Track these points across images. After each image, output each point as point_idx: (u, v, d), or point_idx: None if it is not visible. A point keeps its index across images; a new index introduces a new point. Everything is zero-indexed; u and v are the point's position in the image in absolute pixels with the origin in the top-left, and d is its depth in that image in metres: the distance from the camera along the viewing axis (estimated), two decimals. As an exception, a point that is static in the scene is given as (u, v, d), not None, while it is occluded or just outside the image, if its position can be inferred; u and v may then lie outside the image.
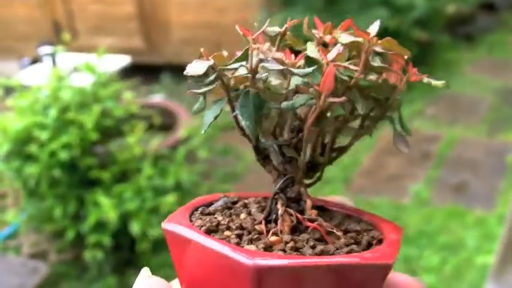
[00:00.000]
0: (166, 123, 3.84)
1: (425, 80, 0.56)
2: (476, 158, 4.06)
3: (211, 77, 0.52)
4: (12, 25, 6.40)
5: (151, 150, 3.36)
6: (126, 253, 3.28)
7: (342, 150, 0.62)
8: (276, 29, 0.57)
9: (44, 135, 3.06)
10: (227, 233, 0.52)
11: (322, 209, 0.60)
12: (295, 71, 0.52)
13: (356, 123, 0.60)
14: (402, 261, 3.14)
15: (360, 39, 0.54)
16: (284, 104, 0.53)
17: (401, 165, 4.04)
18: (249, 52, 0.52)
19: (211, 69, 0.52)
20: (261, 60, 0.52)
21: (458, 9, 6.27)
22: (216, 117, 0.54)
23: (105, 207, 2.99)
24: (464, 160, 4.04)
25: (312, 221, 0.52)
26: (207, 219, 0.54)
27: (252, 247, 0.49)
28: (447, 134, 4.40)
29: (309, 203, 0.55)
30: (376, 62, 0.54)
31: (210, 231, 0.52)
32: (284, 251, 0.49)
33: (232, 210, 0.57)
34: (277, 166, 0.58)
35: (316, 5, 4.90)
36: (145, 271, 0.52)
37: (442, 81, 0.55)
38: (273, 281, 0.44)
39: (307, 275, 0.45)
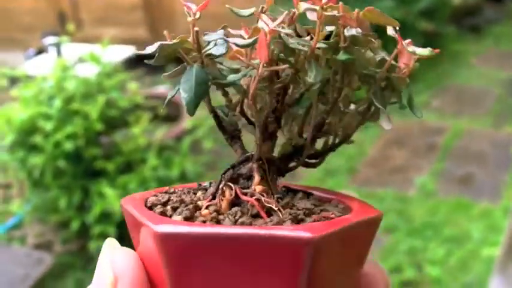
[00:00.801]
0: (171, 113, 3.83)
1: (410, 49, 0.53)
2: (482, 150, 4.04)
3: (160, 55, 0.52)
4: (17, 16, 6.40)
5: (156, 141, 3.36)
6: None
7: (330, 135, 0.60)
8: (251, 10, 0.55)
9: (48, 126, 3.05)
10: (167, 207, 0.51)
11: (294, 191, 0.58)
12: (236, 41, 0.51)
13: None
14: (407, 253, 3.14)
15: (316, 7, 0.51)
16: (227, 79, 0.52)
17: (406, 157, 4.03)
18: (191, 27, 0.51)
19: (162, 48, 0.51)
20: (204, 34, 0.52)
21: (464, 1, 6.25)
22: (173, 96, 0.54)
23: (110, 197, 2.99)
24: (470, 152, 4.03)
25: (251, 195, 0.50)
26: (161, 197, 0.53)
27: (177, 218, 0.48)
28: (453, 125, 4.39)
29: (256, 178, 0.52)
30: (353, 33, 0.52)
31: (153, 205, 0.52)
32: (204, 221, 0.48)
33: (192, 191, 0.56)
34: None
35: (322, -5, 4.89)
36: (110, 241, 0.50)
37: (428, 49, 0.53)
38: (174, 247, 0.44)
39: (204, 243, 0.44)
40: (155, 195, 0.54)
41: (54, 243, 3.39)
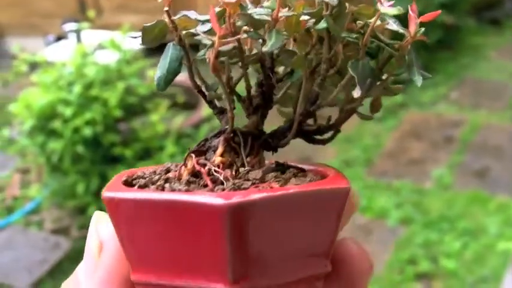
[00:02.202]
0: (189, 101, 3.84)
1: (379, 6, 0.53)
2: (500, 144, 4.02)
3: (144, 37, 0.54)
4: (37, 2, 6.42)
5: (174, 128, 3.37)
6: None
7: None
8: None
9: (68, 112, 3.07)
10: (143, 179, 0.53)
11: (283, 166, 0.58)
12: (202, 17, 0.53)
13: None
14: (423, 246, 3.14)
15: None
16: (198, 55, 0.54)
17: (424, 149, 4.02)
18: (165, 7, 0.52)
19: (145, 30, 0.54)
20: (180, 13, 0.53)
21: (485, -7, 6.21)
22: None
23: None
24: (487, 145, 4.01)
25: (203, 165, 0.52)
26: (147, 170, 0.55)
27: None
28: (471, 118, 4.37)
29: (219, 150, 0.53)
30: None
31: (135, 179, 0.54)
32: (157, 188, 0.51)
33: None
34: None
35: (342, -14, 4.87)
36: (97, 213, 0.55)
37: (398, 7, 0.53)
38: (113, 209, 0.49)
39: (134, 206, 0.48)
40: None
41: (71, 228, 3.42)
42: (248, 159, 0.55)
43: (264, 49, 0.50)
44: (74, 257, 3.15)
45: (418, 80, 0.53)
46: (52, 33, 5.74)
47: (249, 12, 0.51)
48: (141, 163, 3.13)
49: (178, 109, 3.67)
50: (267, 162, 0.58)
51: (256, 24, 0.52)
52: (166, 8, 0.52)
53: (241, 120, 0.57)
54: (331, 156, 3.94)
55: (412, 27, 0.53)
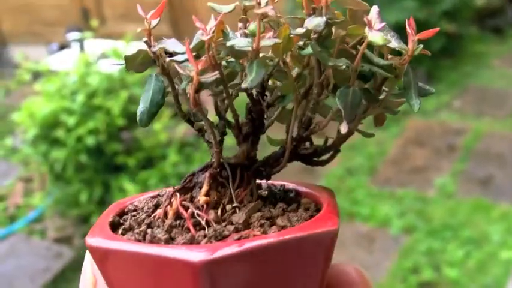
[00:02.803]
0: (192, 110, 3.84)
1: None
2: (503, 152, 4.02)
3: (128, 63, 0.53)
4: (41, 11, 6.44)
5: (177, 137, 3.37)
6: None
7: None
8: (231, 6, 0.54)
9: (71, 120, 3.08)
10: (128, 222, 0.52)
11: (274, 194, 0.58)
12: (180, 49, 0.52)
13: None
14: (426, 254, 3.13)
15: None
16: (180, 87, 0.52)
17: (427, 157, 4.02)
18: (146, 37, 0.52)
19: (127, 58, 0.53)
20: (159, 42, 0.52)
21: (487, 2, 6.21)
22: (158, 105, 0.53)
23: (131, 193, 3.01)
24: (490, 154, 4.01)
25: (186, 208, 0.51)
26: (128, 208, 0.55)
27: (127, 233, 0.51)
28: (474, 126, 4.37)
29: (204, 188, 0.52)
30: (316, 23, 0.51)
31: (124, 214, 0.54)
32: (140, 233, 0.50)
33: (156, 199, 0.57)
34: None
35: (344, -5, 4.88)
36: None
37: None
38: (95, 256, 0.50)
39: (114, 256, 0.48)
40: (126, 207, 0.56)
41: (74, 237, 3.42)
42: (238, 191, 0.53)
43: (243, 85, 0.49)
44: (77, 266, 3.15)
45: (415, 105, 0.52)
46: (55, 41, 5.75)
47: (229, 43, 0.50)
48: (144, 172, 3.13)
49: (181, 118, 3.68)
50: (263, 183, 0.57)
51: (237, 56, 0.51)
52: (144, 39, 0.52)
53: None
54: (335, 164, 3.94)
55: (410, 45, 0.53)
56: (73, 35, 4.28)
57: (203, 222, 0.49)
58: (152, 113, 0.52)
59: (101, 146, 3.12)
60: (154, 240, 0.48)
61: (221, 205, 0.52)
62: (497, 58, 5.61)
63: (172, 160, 3.20)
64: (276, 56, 0.52)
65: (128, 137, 3.26)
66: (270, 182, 0.59)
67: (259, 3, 0.51)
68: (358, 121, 0.54)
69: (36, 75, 3.76)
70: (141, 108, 0.51)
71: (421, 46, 0.53)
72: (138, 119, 0.51)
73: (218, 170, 0.54)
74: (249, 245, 0.44)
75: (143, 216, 0.53)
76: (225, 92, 0.53)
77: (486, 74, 5.26)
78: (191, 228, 0.49)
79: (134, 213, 0.54)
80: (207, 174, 0.53)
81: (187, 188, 0.54)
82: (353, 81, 0.51)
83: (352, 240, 3.29)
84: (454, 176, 3.79)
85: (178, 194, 0.52)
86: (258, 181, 0.57)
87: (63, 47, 5.22)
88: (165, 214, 0.52)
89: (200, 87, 0.50)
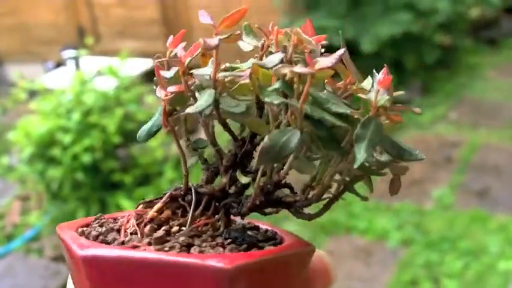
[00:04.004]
0: (187, 127, 3.85)
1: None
2: (500, 163, 4.02)
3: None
4: (36, 29, 6.46)
5: (173, 154, 3.37)
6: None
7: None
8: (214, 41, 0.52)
9: (67, 139, 3.08)
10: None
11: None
12: (168, 74, 0.54)
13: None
14: (424, 267, 3.13)
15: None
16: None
17: (424, 170, 4.02)
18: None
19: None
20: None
21: (482, 13, 6.24)
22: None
23: (128, 209, 3.01)
24: (487, 165, 4.01)
25: (139, 217, 0.53)
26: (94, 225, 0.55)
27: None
28: (470, 138, 4.37)
29: (157, 205, 0.53)
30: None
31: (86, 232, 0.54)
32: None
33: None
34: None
35: (340, 9, 4.90)
36: None
37: None
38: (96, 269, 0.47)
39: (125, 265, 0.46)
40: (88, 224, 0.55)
41: (71, 255, 3.41)
42: (199, 219, 0.53)
43: (188, 110, 0.50)
44: (75, 284, 3.14)
45: (358, 159, 0.48)
46: (51, 60, 5.77)
47: (195, 72, 0.51)
48: (141, 189, 3.14)
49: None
50: (244, 222, 0.57)
51: (203, 83, 0.52)
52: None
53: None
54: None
55: (375, 97, 0.50)
56: (69, 53, 4.29)
57: (129, 231, 0.51)
58: (152, 133, 0.55)
59: (97, 163, 3.12)
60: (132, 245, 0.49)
61: (167, 226, 0.52)
62: (492, 69, 5.63)
63: (169, 177, 3.21)
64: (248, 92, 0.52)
65: (124, 154, 3.26)
66: (256, 223, 0.59)
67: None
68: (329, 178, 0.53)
69: (32, 94, 3.76)
70: (147, 125, 0.54)
71: (387, 98, 0.49)
72: (138, 134, 0.55)
73: (182, 193, 0.54)
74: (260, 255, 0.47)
75: (109, 225, 0.53)
76: (199, 118, 0.54)
77: (481, 85, 5.27)
78: (122, 233, 0.51)
79: (97, 224, 0.54)
80: (167, 193, 0.54)
81: (153, 203, 0.55)
82: (299, 124, 0.48)
83: (349, 253, 3.28)
84: (451, 188, 3.79)
85: (140, 206, 0.54)
86: (238, 219, 0.57)
87: (59, 65, 5.23)
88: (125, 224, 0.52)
89: (170, 111, 0.53)
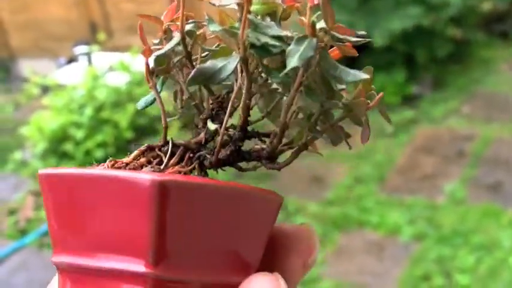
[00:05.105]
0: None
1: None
2: (512, 157, 4.01)
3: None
4: (48, 25, 6.48)
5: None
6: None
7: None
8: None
9: (79, 134, 3.10)
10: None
11: None
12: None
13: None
14: (436, 261, 3.12)
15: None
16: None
17: (436, 164, 4.01)
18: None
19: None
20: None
21: (494, 7, 6.20)
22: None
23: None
24: (500, 159, 4.00)
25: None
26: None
27: None
28: (483, 132, 4.36)
29: (134, 152, 0.54)
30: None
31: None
32: None
33: None
34: None
35: (350, 4, 4.89)
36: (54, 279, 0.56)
37: None
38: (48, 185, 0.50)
39: (73, 181, 0.48)
40: None
41: (84, 250, 3.43)
42: (177, 167, 0.53)
43: (156, 53, 0.53)
44: (88, 278, 3.16)
45: (289, 66, 0.46)
46: (63, 55, 5.79)
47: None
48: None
49: (189, 129, 3.69)
50: None
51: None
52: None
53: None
54: (343, 173, 3.95)
55: (308, 16, 0.48)
56: (81, 49, 4.31)
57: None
58: (150, 101, 0.57)
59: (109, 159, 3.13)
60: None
61: (141, 169, 0.53)
62: (505, 63, 5.60)
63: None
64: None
65: (136, 149, 3.27)
66: None
67: None
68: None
69: (45, 89, 3.78)
70: (145, 96, 0.57)
71: (317, 14, 0.48)
72: (137, 103, 0.57)
73: (161, 144, 0.55)
74: (201, 182, 0.47)
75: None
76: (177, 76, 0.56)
77: (494, 79, 5.25)
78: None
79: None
80: (145, 144, 0.55)
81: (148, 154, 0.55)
82: (241, 51, 0.48)
83: (361, 248, 3.29)
84: (464, 182, 3.78)
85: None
86: None
87: (71, 60, 5.25)
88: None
89: (152, 68, 0.54)
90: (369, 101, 0.53)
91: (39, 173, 0.50)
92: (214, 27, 0.49)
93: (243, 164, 0.56)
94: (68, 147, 3.12)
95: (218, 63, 0.48)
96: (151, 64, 0.54)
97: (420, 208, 3.56)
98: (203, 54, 0.56)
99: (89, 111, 3.14)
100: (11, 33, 6.77)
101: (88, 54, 4.20)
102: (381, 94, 0.53)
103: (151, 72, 0.55)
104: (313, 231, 0.55)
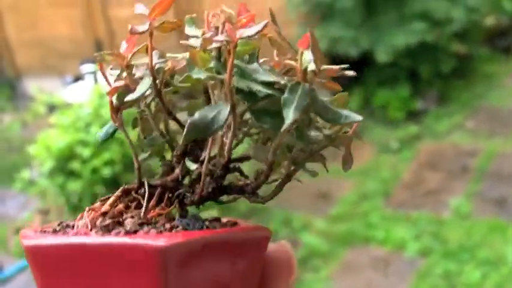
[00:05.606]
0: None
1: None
2: (517, 172, 4.02)
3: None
4: (55, 43, 6.52)
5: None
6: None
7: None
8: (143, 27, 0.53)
9: (86, 152, 3.11)
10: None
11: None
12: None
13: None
14: (442, 277, 3.13)
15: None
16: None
17: (441, 179, 4.02)
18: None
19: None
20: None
21: (497, 22, 6.22)
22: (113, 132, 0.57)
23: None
24: (503, 173, 4.00)
25: (93, 210, 0.53)
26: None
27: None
28: (487, 147, 4.36)
29: (111, 199, 0.54)
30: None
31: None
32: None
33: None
34: None
35: (355, 19, 4.91)
36: None
37: None
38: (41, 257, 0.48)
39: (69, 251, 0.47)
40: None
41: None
42: (157, 210, 0.53)
43: (127, 98, 0.51)
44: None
45: (286, 122, 0.46)
46: (69, 74, 5.82)
47: (137, 63, 0.53)
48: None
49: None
50: (208, 216, 0.57)
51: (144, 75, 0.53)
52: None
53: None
54: (348, 189, 3.96)
55: (299, 61, 0.49)
56: (87, 67, 4.33)
57: (80, 224, 0.51)
58: (110, 133, 0.57)
59: (116, 177, 3.14)
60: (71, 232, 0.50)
61: (121, 217, 0.52)
62: (508, 78, 5.61)
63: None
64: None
65: (144, 167, 3.29)
66: (218, 217, 0.59)
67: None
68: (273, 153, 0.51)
69: (52, 108, 3.80)
70: (105, 126, 0.57)
71: (310, 59, 0.48)
72: (97, 134, 0.58)
73: (136, 186, 0.55)
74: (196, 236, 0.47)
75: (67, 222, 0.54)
76: (145, 113, 0.57)
77: (498, 93, 5.26)
78: (76, 224, 0.52)
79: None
80: (120, 188, 0.55)
81: (109, 199, 0.55)
82: (229, 98, 0.48)
83: (367, 264, 3.29)
84: (469, 197, 3.79)
85: (98, 203, 0.54)
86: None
87: (77, 78, 5.27)
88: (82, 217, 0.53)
89: (117, 105, 0.53)
90: (352, 136, 0.53)
91: (25, 244, 0.48)
92: (198, 74, 0.49)
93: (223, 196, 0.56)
94: (75, 165, 3.13)
95: (208, 113, 0.48)
96: (116, 102, 0.54)
97: (426, 223, 3.57)
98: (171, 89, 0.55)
99: (95, 129, 3.15)
100: (17, 51, 6.82)
101: (94, 73, 4.21)
102: (355, 125, 0.53)
103: (116, 110, 0.54)
104: (290, 252, 0.56)
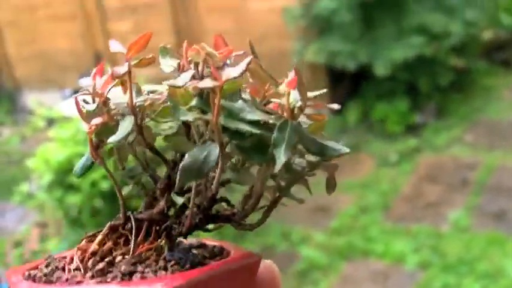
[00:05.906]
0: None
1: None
2: (516, 185, 4.02)
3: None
4: (54, 56, 6.53)
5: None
6: None
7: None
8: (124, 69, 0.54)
9: (85, 166, 3.11)
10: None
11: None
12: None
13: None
14: (442, 290, 3.13)
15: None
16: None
17: (440, 193, 4.02)
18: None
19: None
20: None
21: (495, 35, 6.24)
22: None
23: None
24: (503, 187, 4.00)
25: (83, 251, 0.53)
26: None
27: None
28: (486, 160, 4.37)
29: (98, 238, 0.54)
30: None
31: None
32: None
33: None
34: None
35: (353, 33, 4.92)
36: None
37: None
38: None
39: None
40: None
41: (90, 282, 3.42)
42: (146, 244, 0.53)
43: (110, 140, 0.51)
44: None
45: (278, 163, 0.47)
46: (69, 87, 5.83)
47: (116, 101, 0.53)
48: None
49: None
50: (192, 242, 0.57)
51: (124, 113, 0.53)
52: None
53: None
54: (348, 202, 3.95)
55: (286, 100, 0.50)
56: (86, 80, 4.34)
57: (72, 267, 0.51)
58: (87, 167, 0.57)
59: (115, 190, 3.14)
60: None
61: (111, 256, 0.52)
62: (507, 90, 5.62)
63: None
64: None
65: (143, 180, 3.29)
66: (203, 241, 0.59)
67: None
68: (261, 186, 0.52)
69: (51, 121, 3.80)
70: (81, 160, 0.57)
71: (298, 99, 0.49)
72: (74, 169, 0.57)
73: (122, 222, 0.55)
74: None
75: (57, 263, 0.54)
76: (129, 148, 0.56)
77: (496, 107, 5.27)
78: (66, 270, 0.51)
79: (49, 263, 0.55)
80: (107, 225, 0.55)
81: (95, 236, 0.55)
82: (217, 137, 0.48)
83: (367, 277, 3.28)
84: (468, 210, 3.79)
85: (84, 241, 0.54)
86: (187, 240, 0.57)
87: (76, 92, 5.28)
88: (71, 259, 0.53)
89: (97, 143, 0.54)
90: (337, 163, 0.54)
91: None
92: (185, 116, 0.49)
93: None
94: (74, 178, 3.13)
95: (198, 155, 0.48)
96: (95, 139, 0.54)
97: (425, 236, 3.57)
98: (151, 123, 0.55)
99: (94, 142, 3.16)
100: (16, 64, 6.83)
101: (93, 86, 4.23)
102: (335, 164, 0.54)
103: (95, 147, 0.54)
104: (274, 272, 0.57)
